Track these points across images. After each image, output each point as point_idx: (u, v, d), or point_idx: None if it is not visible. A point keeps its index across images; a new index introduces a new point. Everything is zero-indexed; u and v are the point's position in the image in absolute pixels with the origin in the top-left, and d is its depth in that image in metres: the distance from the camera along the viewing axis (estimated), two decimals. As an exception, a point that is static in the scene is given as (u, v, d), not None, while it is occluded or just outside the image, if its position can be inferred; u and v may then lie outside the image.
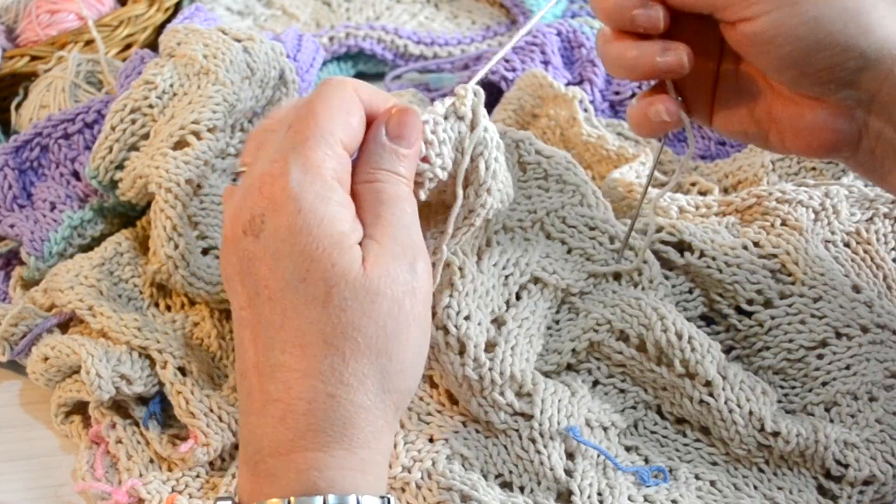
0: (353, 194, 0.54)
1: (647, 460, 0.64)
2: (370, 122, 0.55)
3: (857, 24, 0.56)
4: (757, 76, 0.61)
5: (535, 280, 0.66)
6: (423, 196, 0.58)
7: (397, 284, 0.52)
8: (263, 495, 0.51)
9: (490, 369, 0.61)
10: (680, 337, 0.63)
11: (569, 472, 0.61)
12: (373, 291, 0.51)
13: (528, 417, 0.62)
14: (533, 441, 0.61)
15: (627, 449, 0.64)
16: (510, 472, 0.62)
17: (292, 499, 0.50)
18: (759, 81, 0.61)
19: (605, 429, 0.64)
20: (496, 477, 0.62)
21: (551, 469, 0.61)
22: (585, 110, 0.83)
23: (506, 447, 0.62)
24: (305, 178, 0.51)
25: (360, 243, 0.53)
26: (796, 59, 0.57)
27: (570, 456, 0.62)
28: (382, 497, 0.52)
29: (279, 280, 0.51)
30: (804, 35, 0.56)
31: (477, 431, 0.63)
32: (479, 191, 0.59)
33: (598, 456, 0.62)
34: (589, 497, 0.60)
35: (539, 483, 0.61)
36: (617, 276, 0.67)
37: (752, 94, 0.61)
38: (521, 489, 0.61)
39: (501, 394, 0.62)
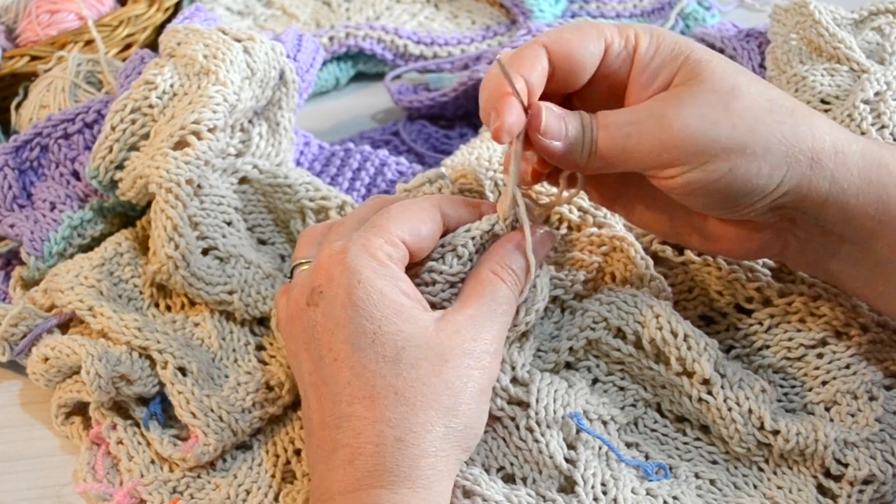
0: (474, 275, 0.60)
1: (647, 457, 0.63)
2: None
3: (770, 164, 0.57)
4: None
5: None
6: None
7: (470, 357, 0.57)
8: None
9: None
10: (675, 335, 0.63)
11: (571, 462, 0.61)
12: (442, 356, 0.57)
13: (525, 406, 0.62)
14: (530, 430, 0.61)
15: (628, 445, 0.64)
16: (511, 463, 0.62)
17: None
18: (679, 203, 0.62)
19: (604, 423, 0.64)
20: (498, 470, 0.62)
21: (551, 457, 0.61)
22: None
23: (504, 439, 0.62)
24: (363, 256, 0.57)
25: (443, 309, 0.59)
26: (717, 204, 0.59)
27: (571, 446, 0.62)
28: None
29: (344, 343, 0.56)
30: (721, 188, 0.58)
31: (477, 427, 0.63)
32: (529, 310, 0.62)
33: (600, 448, 0.62)
34: (593, 487, 0.60)
35: (540, 472, 0.61)
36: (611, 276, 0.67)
37: (670, 207, 0.63)
38: (524, 481, 0.61)
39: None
